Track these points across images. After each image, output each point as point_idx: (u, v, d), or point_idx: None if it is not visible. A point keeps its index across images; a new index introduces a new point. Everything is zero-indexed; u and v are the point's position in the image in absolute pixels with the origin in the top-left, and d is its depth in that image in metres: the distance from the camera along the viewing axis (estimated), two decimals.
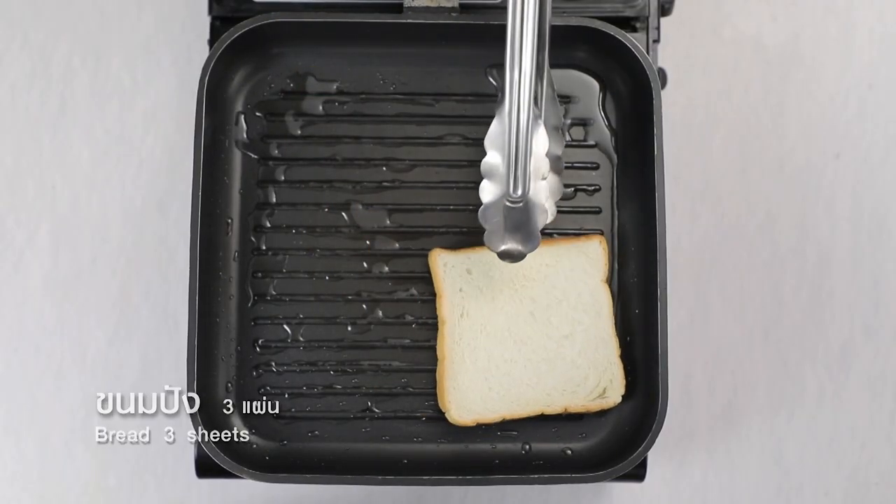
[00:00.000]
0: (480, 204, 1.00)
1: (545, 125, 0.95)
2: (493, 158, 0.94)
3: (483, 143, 0.94)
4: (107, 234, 1.11)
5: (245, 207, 1.01)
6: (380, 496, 1.08)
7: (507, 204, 0.92)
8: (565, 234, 1.01)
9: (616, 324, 0.99)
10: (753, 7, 1.14)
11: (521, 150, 0.90)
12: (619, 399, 0.98)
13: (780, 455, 1.09)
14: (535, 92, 0.93)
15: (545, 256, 0.99)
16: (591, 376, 0.98)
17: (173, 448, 1.08)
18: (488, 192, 0.94)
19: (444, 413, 0.98)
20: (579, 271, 0.99)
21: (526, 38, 0.89)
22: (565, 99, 1.02)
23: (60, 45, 1.13)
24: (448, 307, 0.99)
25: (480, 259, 0.99)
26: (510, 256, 0.94)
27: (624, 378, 0.98)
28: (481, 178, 1.01)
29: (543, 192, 0.95)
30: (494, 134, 0.94)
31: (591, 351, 0.99)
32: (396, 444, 0.98)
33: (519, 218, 0.93)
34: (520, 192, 0.91)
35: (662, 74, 1.03)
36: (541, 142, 0.94)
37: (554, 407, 0.98)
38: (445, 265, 0.99)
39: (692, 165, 1.12)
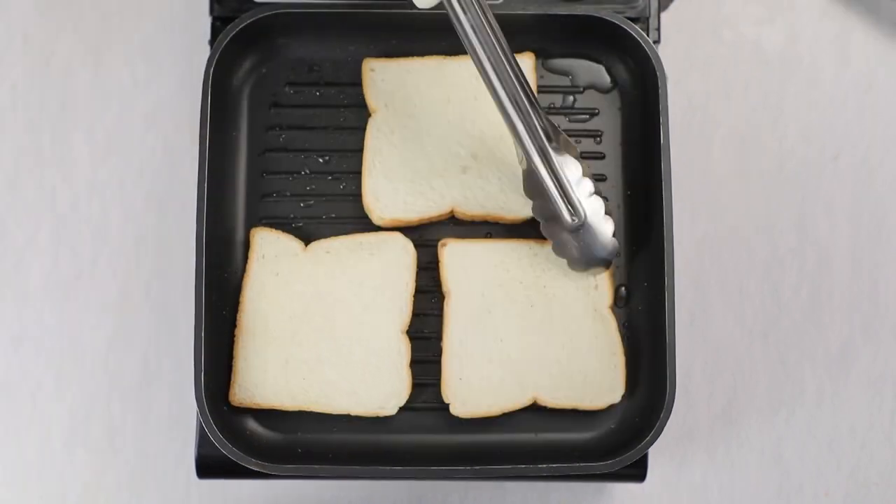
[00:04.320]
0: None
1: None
2: (540, 204, 0.97)
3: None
4: (107, 234, 1.10)
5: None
6: (380, 497, 1.07)
7: (573, 231, 0.97)
8: None
9: (621, 322, 1.00)
10: (753, 8, 1.14)
11: (563, 182, 0.96)
12: (618, 399, 0.98)
13: (780, 455, 1.09)
14: (545, 127, 0.95)
15: (563, 265, 0.99)
16: (589, 379, 0.98)
17: (173, 448, 1.07)
18: (551, 231, 0.98)
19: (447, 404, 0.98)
20: (590, 287, 1.00)
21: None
22: (576, 88, 1.03)
23: (60, 45, 1.13)
24: (454, 299, 0.98)
25: (493, 249, 0.99)
26: (604, 267, 0.99)
27: (625, 379, 0.98)
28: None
29: (597, 206, 0.97)
30: (530, 182, 0.97)
31: (594, 359, 0.98)
32: (403, 434, 0.98)
33: (589, 239, 0.97)
34: (579, 217, 0.96)
35: None
36: (572, 168, 0.96)
37: (551, 402, 0.98)
38: (452, 256, 0.99)
39: (692, 165, 1.12)
